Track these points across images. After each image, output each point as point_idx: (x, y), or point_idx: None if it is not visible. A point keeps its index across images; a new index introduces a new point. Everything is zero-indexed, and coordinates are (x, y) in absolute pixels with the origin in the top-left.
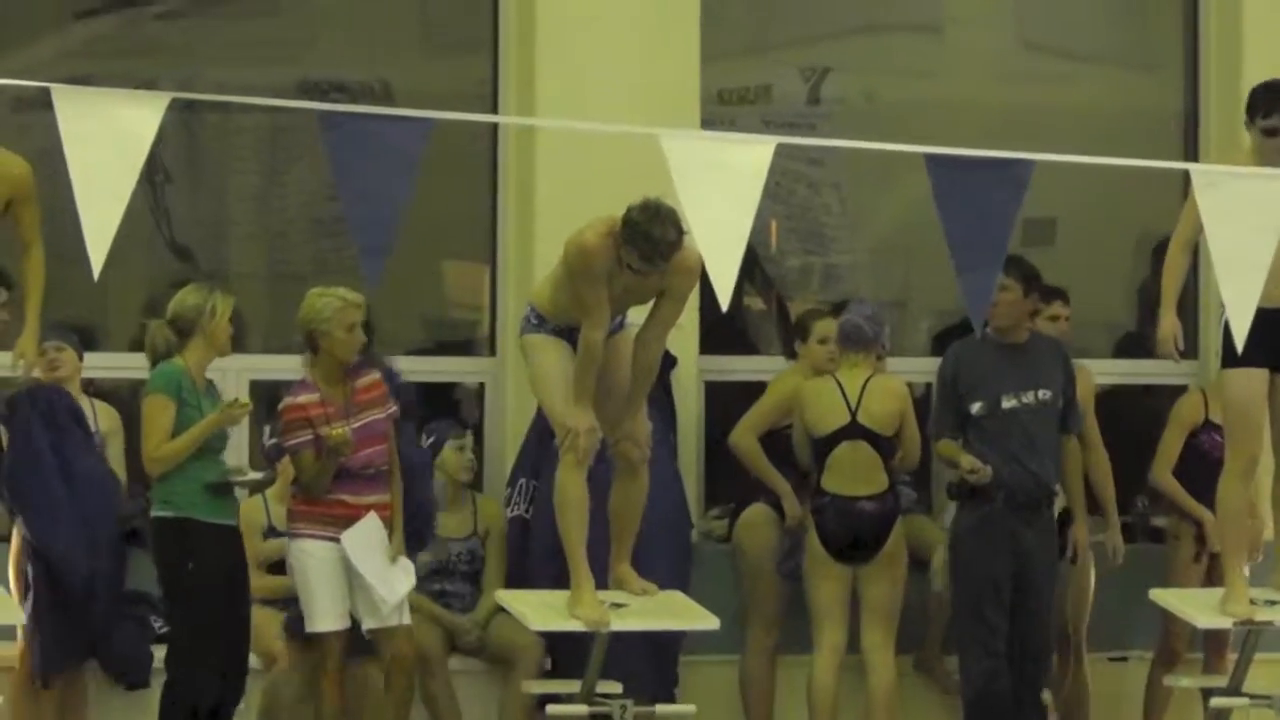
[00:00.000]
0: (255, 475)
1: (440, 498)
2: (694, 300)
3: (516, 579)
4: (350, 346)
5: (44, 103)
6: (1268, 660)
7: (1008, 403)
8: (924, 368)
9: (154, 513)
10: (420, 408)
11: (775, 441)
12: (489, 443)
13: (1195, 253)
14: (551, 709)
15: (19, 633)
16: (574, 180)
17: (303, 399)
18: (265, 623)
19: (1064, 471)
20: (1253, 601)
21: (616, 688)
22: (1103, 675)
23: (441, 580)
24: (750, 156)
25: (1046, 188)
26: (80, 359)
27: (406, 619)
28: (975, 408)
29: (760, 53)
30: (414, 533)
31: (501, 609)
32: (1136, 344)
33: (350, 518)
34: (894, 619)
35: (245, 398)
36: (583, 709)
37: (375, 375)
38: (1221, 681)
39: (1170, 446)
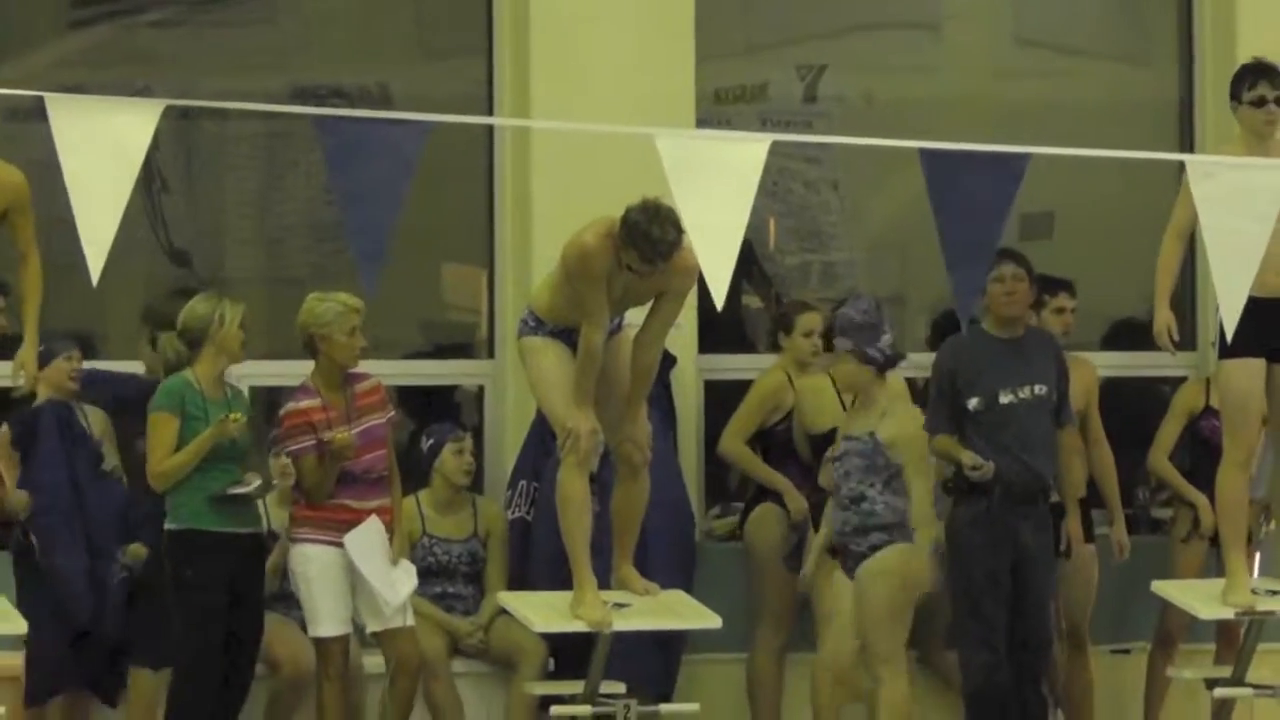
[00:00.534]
0: (255, 483)
1: (438, 500)
2: (692, 299)
3: (518, 581)
4: (351, 351)
5: (39, 112)
6: (1277, 650)
7: (1005, 398)
8: (920, 363)
9: (165, 525)
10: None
11: (776, 436)
12: (489, 445)
13: (1191, 244)
14: (555, 710)
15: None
16: (570, 182)
17: (305, 404)
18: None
19: (1058, 465)
20: (1254, 591)
21: (620, 688)
22: (1105, 667)
23: (443, 582)
24: (745, 154)
25: (1045, 182)
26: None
27: (410, 620)
28: (972, 403)
29: (756, 52)
30: None
31: (504, 611)
32: (1137, 336)
33: (354, 522)
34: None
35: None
36: (586, 709)
37: (375, 380)
38: (1226, 672)
39: (1169, 433)
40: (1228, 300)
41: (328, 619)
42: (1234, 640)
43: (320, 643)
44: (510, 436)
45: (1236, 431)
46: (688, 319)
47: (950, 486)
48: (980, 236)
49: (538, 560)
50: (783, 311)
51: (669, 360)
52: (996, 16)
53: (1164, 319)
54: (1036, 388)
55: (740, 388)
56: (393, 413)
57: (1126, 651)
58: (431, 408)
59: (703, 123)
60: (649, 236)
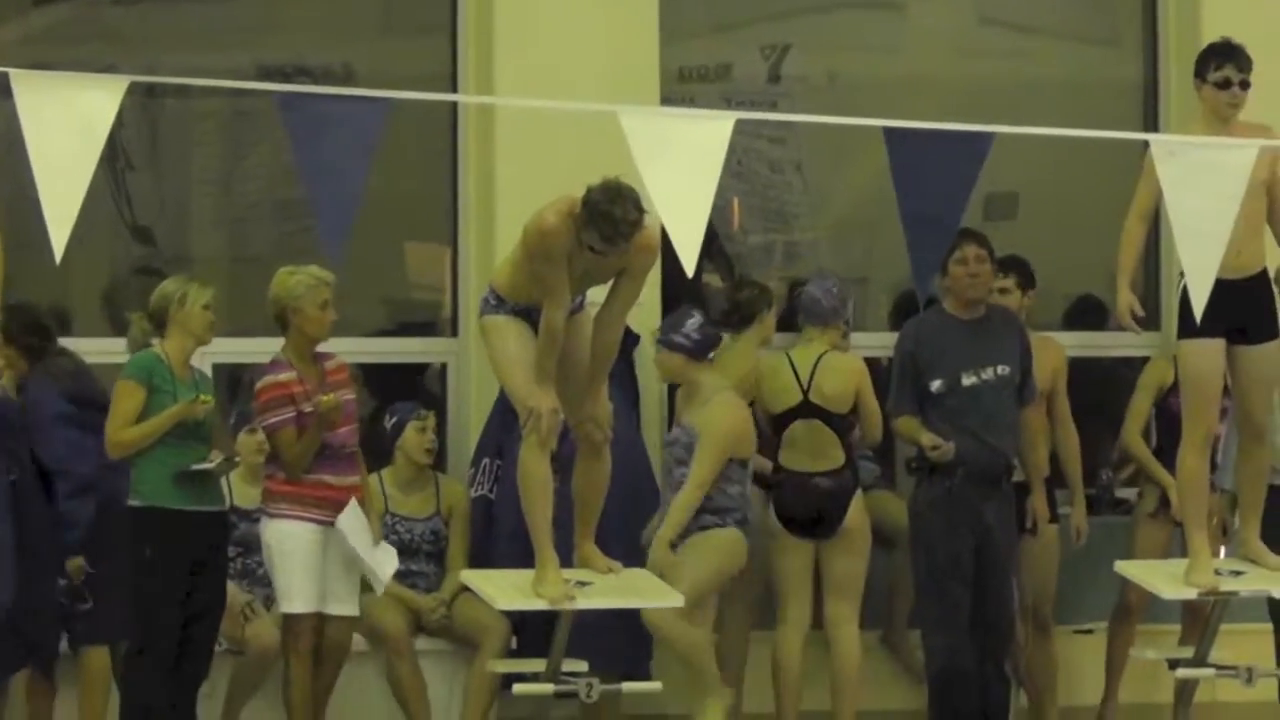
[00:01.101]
0: (219, 459)
1: (401, 478)
2: (654, 278)
3: (480, 559)
4: (323, 324)
5: (3, 89)
6: (1239, 630)
7: (968, 379)
8: (885, 342)
9: (128, 501)
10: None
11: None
12: (452, 423)
13: (1155, 224)
14: (517, 688)
15: None
16: (534, 160)
17: (283, 377)
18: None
19: (1022, 444)
20: (1217, 572)
21: (582, 666)
22: (1069, 647)
23: (406, 560)
24: (710, 131)
25: (1009, 162)
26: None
27: (355, 610)
28: (935, 385)
29: (720, 31)
30: None
31: (466, 589)
32: (1100, 316)
33: (332, 499)
34: (857, 594)
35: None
36: (548, 688)
37: (340, 359)
38: (1188, 653)
39: (1140, 409)
40: (1195, 280)
41: (299, 596)
42: (1200, 620)
43: (290, 619)
44: (474, 414)
45: (1196, 412)
46: (650, 297)
47: (913, 467)
48: (942, 215)
49: (501, 538)
50: (759, 291)
51: (632, 338)
52: None
53: (1126, 299)
54: (999, 369)
55: None
56: (354, 395)
57: (1089, 631)
58: (394, 386)
59: (667, 102)
60: (610, 217)
